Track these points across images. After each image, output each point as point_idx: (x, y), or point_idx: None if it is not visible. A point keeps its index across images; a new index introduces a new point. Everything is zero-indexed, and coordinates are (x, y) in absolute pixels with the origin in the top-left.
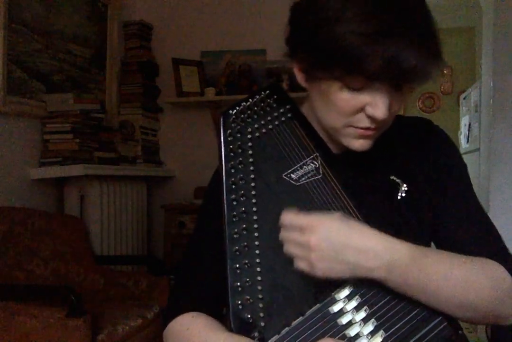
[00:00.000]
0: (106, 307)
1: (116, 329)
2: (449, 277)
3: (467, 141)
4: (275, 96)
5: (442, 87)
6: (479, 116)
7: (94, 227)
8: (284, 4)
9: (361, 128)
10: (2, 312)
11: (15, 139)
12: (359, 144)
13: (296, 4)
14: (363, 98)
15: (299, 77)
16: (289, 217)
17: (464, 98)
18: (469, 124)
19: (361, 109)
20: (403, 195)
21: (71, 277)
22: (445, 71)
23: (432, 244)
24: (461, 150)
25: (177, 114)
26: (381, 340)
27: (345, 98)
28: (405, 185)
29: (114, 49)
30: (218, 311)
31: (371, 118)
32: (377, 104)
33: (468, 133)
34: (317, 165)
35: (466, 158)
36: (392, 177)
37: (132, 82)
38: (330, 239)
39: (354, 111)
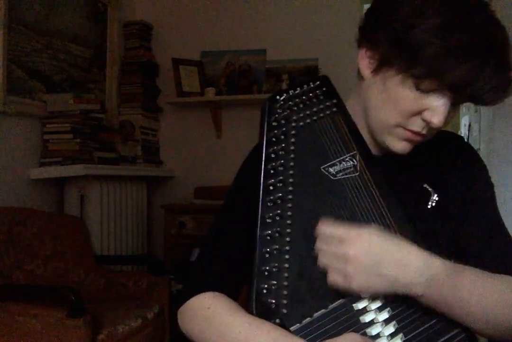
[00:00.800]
0: (106, 307)
1: (116, 329)
2: (485, 295)
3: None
4: (324, 89)
5: None
6: (479, 116)
7: (94, 227)
8: (284, 4)
9: (411, 131)
10: (2, 312)
11: (15, 139)
12: (401, 146)
13: None
14: (428, 101)
15: (364, 64)
16: (326, 228)
17: None
18: (469, 124)
19: (420, 112)
20: (433, 204)
21: (71, 277)
22: None
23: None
24: None
25: (177, 114)
26: None
27: (411, 97)
28: (436, 195)
29: (114, 49)
30: (238, 293)
31: (426, 123)
32: (438, 111)
33: (468, 133)
34: (356, 163)
35: None
36: (425, 185)
37: (132, 82)
38: (369, 252)
39: (413, 113)
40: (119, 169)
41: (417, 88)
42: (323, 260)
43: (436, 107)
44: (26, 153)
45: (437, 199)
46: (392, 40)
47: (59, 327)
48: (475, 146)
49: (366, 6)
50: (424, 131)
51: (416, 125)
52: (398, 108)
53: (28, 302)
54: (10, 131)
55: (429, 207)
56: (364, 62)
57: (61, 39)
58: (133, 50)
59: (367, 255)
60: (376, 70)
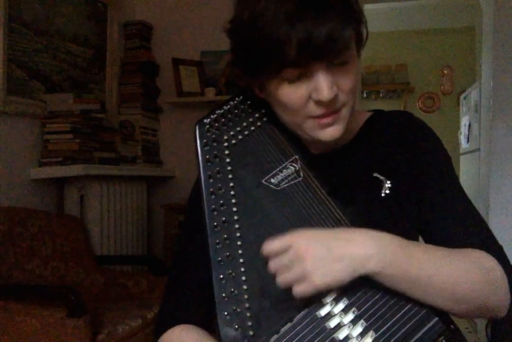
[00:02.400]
0: (106, 307)
1: (116, 329)
2: (440, 268)
3: (467, 141)
4: (248, 102)
5: (442, 87)
6: (479, 116)
7: (94, 227)
8: None
9: (320, 117)
10: (2, 312)
11: (15, 139)
12: (328, 134)
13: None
14: (303, 87)
15: (256, 90)
16: (268, 246)
17: (464, 98)
18: (469, 124)
19: (309, 98)
20: (387, 191)
21: (71, 277)
22: (445, 71)
23: (421, 239)
24: (461, 150)
25: (177, 114)
26: (371, 340)
27: (287, 92)
28: (388, 182)
29: (114, 49)
30: (210, 321)
31: (320, 103)
32: (317, 88)
33: (468, 133)
34: (297, 168)
35: (466, 158)
36: (375, 174)
37: (132, 82)
38: (317, 242)
39: (302, 103)
40: (119, 170)
41: (286, 81)
42: (284, 276)
43: (314, 86)
44: (26, 153)
45: (390, 185)
46: (242, 52)
47: (59, 327)
48: (475, 147)
49: (367, 6)
50: (330, 109)
51: (317, 110)
52: (289, 107)
53: (28, 302)
54: (10, 131)
55: (383, 195)
56: (256, 91)
57: (61, 39)
58: (133, 50)
59: (316, 245)
60: (259, 89)
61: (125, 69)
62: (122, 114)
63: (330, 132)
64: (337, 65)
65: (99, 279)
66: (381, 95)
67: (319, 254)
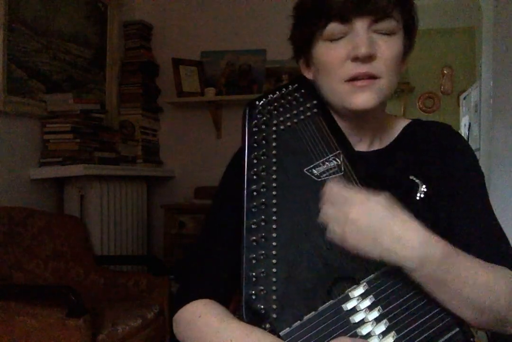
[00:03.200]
0: (106, 307)
1: (116, 329)
2: (475, 278)
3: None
4: (302, 91)
5: (442, 87)
6: (479, 116)
7: (94, 227)
8: (284, 4)
9: (355, 77)
10: (2, 312)
11: (15, 139)
12: (361, 100)
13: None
14: (344, 45)
15: (305, 71)
16: (335, 187)
17: (464, 98)
18: (469, 124)
19: (347, 58)
20: (422, 195)
21: (71, 277)
22: (445, 71)
23: None
24: None
25: (177, 114)
26: (392, 341)
27: (327, 50)
28: (424, 186)
29: (114, 49)
30: (229, 298)
31: (357, 59)
32: (356, 44)
33: (468, 133)
34: (339, 163)
35: None
36: (411, 177)
37: (132, 82)
38: (369, 218)
39: (340, 61)
40: (119, 170)
41: (328, 40)
42: (325, 215)
43: (353, 43)
44: (26, 153)
45: (425, 190)
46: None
47: (59, 327)
48: (475, 146)
49: None
50: (365, 70)
51: (352, 68)
52: (329, 67)
53: (28, 302)
54: (10, 131)
55: (418, 198)
56: (304, 70)
57: (61, 39)
58: (133, 50)
59: (365, 220)
60: (304, 58)
61: (125, 69)
62: (122, 114)
63: (363, 98)
64: (381, 32)
65: (99, 279)
66: None
67: (362, 230)
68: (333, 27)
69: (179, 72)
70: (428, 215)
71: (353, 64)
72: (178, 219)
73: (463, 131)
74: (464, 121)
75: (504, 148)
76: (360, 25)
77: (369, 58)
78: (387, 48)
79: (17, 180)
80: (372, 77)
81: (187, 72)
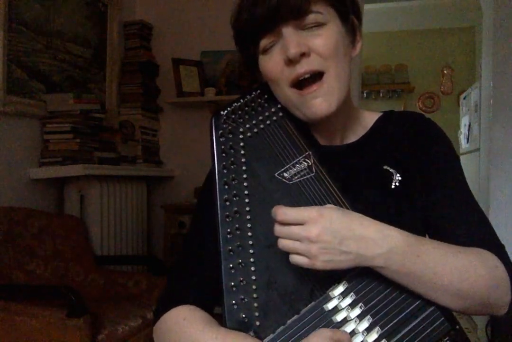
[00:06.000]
0: (106, 307)
1: (116, 329)
2: (446, 264)
3: (467, 141)
4: (266, 96)
5: (442, 87)
6: (479, 116)
7: (94, 227)
8: None
9: (299, 82)
10: (2, 312)
11: (15, 139)
12: (314, 109)
13: None
14: (277, 53)
15: (259, 77)
16: (284, 211)
17: (464, 98)
18: (469, 124)
19: (283, 64)
20: (397, 184)
21: (71, 277)
22: (445, 71)
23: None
24: (461, 150)
25: (177, 114)
26: (377, 336)
27: (265, 62)
28: (398, 175)
29: (114, 49)
30: (212, 309)
31: (290, 61)
32: (285, 46)
33: (468, 133)
34: (310, 164)
35: (466, 158)
36: (385, 167)
37: (132, 82)
38: (332, 231)
39: (279, 69)
40: (119, 170)
41: (261, 52)
42: (285, 243)
43: (283, 48)
44: (26, 153)
45: (400, 178)
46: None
47: (59, 327)
48: (475, 146)
49: (367, 6)
50: (303, 69)
51: (291, 71)
52: (271, 76)
53: (28, 302)
54: (10, 131)
55: (393, 187)
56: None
57: (61, 39)
58: (133, 50)
59: (330, 233)
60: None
61: (125, 69)
62: (122, 114)
63: (317, 106)
64: (308, 28)
65: (99, 279)
66: (381, 95)
67: (329, 244)
68: (265, 40)
69: (179, 72)
70: (404, 203)
71: (291, 68)
72: (178, 219)
73: (463, 132)
74: (464, 121)
75: (504, 148)
76: (285, 29)
77: (302, 56)
78: (319, 39)
79: (17, 180)
80: (316, 75)
81: (187, 72)
